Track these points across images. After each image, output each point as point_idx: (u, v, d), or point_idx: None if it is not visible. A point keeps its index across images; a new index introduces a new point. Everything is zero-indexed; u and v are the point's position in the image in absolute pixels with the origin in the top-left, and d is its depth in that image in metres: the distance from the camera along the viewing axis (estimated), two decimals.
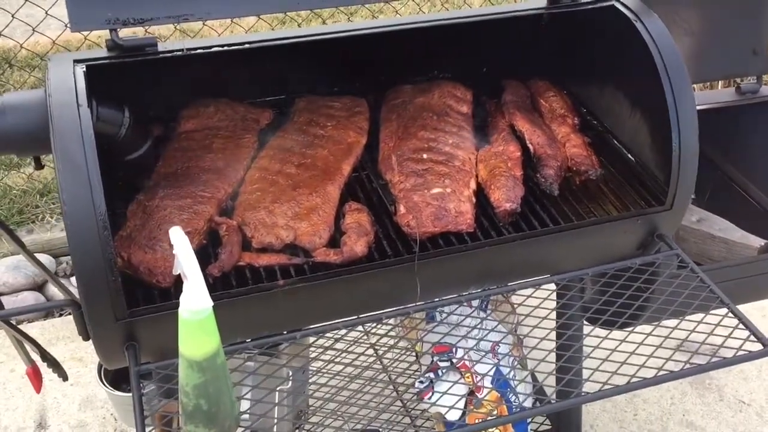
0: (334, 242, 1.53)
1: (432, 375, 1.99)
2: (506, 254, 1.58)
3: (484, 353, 2.04)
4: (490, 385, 2.02)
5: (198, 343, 1.08)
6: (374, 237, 1.54)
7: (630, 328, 1.57)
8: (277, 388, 1.85)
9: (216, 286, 1.42)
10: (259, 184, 1.62)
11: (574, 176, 1.74)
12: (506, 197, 1.59)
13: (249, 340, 1.42)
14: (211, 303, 1.04)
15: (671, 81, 1.60)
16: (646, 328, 1.47)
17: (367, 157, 1.78)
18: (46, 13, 2.97)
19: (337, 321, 1.47)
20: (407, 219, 1.55)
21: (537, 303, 1.51)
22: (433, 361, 2.00)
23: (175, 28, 3.58)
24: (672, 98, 1.60)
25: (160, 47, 1.48)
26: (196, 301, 1.05)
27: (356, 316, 1.48)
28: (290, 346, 1.51)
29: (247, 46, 1.57)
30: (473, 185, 1.66)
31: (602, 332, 1.48)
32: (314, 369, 1.50)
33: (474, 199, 1.63)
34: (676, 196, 1.65)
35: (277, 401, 1.88)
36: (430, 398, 1.98)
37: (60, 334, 2.83)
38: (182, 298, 1.05)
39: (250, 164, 1.70)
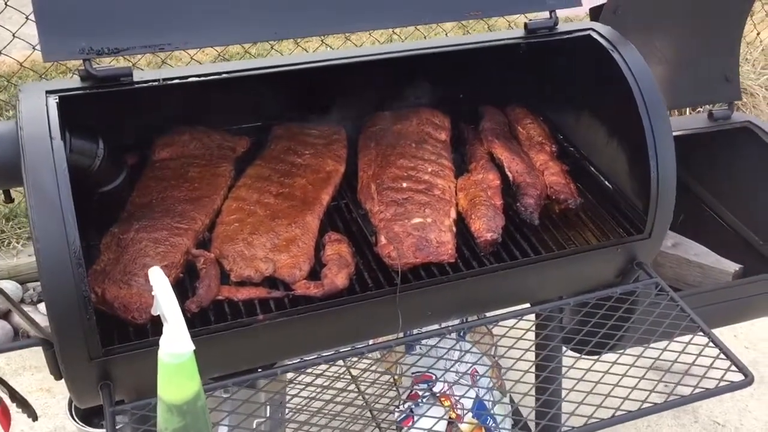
0: (314, 274, 1.51)
1: (411, 404, 1.97)
2: (487, 284, 1.57)
3: (461, 374, 2.01)
4: (470, 412, 2.00)
5: (178, 387, 1.04)
6: (355, 268, 1.52)
7: (610, 353, 1.57)
8: (254, 423, 1.81)
9: (194, 321, 1.39)
10: (236, 215, 1.59)
11: (553, 204, 1.74)
12: (487, 227, 1.58)
13: (228, 377, 1.39)
14: (192, 347, 1.01)
15: (648, 110, 1.61)
16: (628, 358, 1.47)
17: (346, 185, 1.77)
18: (13, 35, 2.91)
19: (316, 356, 1.44)
20: (388, 250, 1.53)
21: (518, 333, 1.50)
22: (413, 389, 1.97)
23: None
24: (650, 128, 1.61)
25: (136, 77, 1.45)
26: (176, 343, 1.01)
27: (337, 350, 1.45)
28: (270, 382, 1.47)
29: (224, 75, 1.55)
30: (453, 214, 1.65)
31: (583, 360, 1.48)
32: (292, 406, 1.46)
33: (454, 229, 1.62)
34: (654, 225, 1.65)
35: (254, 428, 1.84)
36: (409, 428, 1.96)
37: (27, 364, 2.75)
38: (162, 341, 1.02)
39: (227, 193, 1.67)
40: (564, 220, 1.76)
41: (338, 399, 1.47)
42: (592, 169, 1.88)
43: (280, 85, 1.83)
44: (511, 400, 2.17)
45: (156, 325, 1.37)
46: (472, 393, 2.02)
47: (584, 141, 1.93)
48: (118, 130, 1.62)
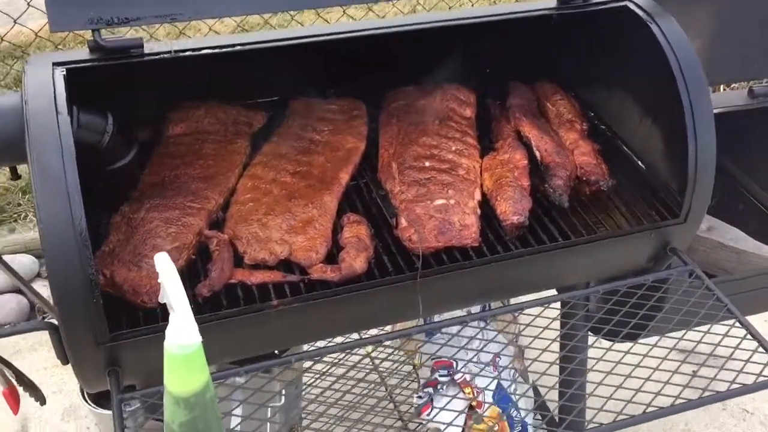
0: (331, 257, 1.44)
1: (431, 390, 1.91)
2: (513, 270, 1.49)
3: (483, 365, 1.95)
4: (491, 400, 1.94)
5: (185, 379, 0.99)
6: (374, 251, 1.45)
7: (640, 343, 1.50)
8: (269, 404, 1.77)
9: (205, 306, 1.33)
10: (251, 194, 1.52)
11: (582, 186, 1.65)
12: (513, 210, 1.50)
13: (240, 364, 1.33)
14: (199, 338, 0.95)
15: (688, 87, 1.52)
16: (660, 350, 1.39)
17: (366, 164, 1.69)
18: (28, 4, 2.85)
19: (333, 344, 1.38)
20: (409, 233, 1.46)
21: (544, 321, 1.43)
22: (432, 376, 1.91)
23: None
24: (689, 106, 1.52)
25: (146, 48, 1.38)
26: (183, 334, 0.95)
27: (354, 338, 1.39)
28: (283, 370, 1.42)
29: (238, 48, 1.47)
30: (478, 195, 1.57)
31: (612, 352, 1.41)
32: (309, 396, 1.41)
33: (479, 211, 1.54)
34: (691, 209, 1.57)
35: (268, 417, 1.80)
36: (428, 414, 1.90)
37: (42, 339, 2.72)
38: (168, 331, 0.96)
39: (242, 171, 1.60)
40: (594, 202, 1.67)
41: (356, 389, 1.42)
42: (625, 148, 1.78)
43: (299, 58, 1.75)
44: (536, 392, 2.10)
45: (167, 309, 1.32)
46: (494, 382, 1.95)
47: (616, 119, 1.84)
48: (129, 105, 1.55)
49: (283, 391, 1.79)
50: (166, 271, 0.98)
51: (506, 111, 1.81)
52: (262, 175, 1.57)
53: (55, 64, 1.31)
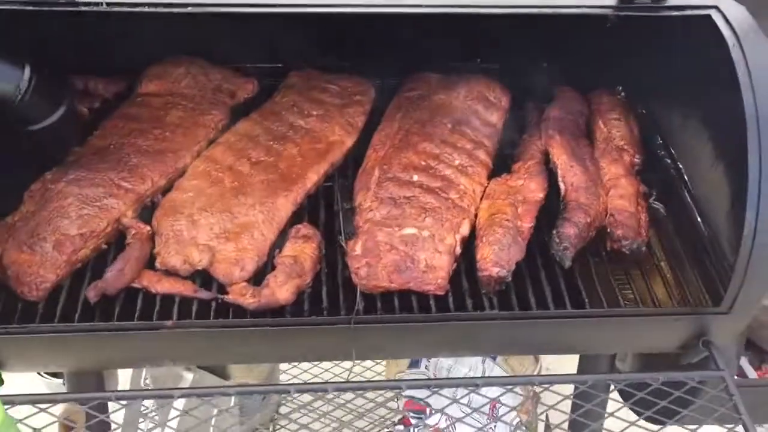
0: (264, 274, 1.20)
1: (402, 428, 1.66)
2: (479, 331, 1.20)
3: (472, 410, 1.67)
4: None
5: None
6: (312, 278, 1.20)
7: None
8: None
9: (94, 309, 1.14)
10: (198, 180, 1.30)
11: (606, 236, 1.30)
12: (495, 258, 1.19)
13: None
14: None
15: (761, 140, 1.13)
16: None
17: (355, 163, 1.41)
18: None
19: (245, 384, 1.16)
20: (359, 264, 1.19)
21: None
22: (405, 414, 1.66)
23: None
24: (757, 164, 1.13)
25: None
26: None
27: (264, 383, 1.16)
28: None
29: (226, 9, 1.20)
30: (465, 229, 1.26)
31: None
32: None
33: (459, 250, 1.24)
34: (737, 300, 1.19)
35: None
36: None
37: None
38: None
39: (203, 149, 1.38)
40: (622, 255, 1.32)
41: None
42: (687, 195, 1.40)
43: (313, 26, 1.48)
44: None
45: (51, 305, 1.15)
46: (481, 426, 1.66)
47: (688, 154, 1.45)
48: (59, 57, 1.35)
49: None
50: None
51: (541, 124, 1.46)
52: (220, 158, 1.34)
53: None
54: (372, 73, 1.58)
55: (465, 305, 1.19)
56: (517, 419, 1.79)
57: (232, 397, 1.59)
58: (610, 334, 1.25)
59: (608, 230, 1.29)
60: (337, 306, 1.17)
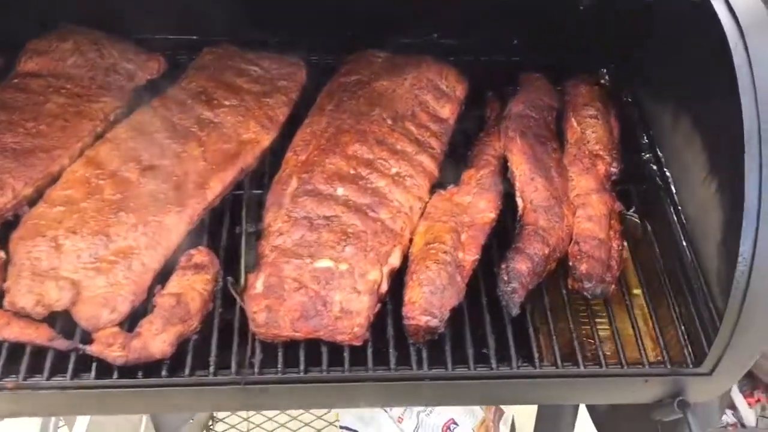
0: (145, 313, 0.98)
1: None
2: (406, 391, 0.98)
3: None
4: None
5: None
6: (201, 320, 0.97)
7: None
8: None
9: None
10: (73, 190, 1.06)
11: (568, 272, 1.07)
12: (425, 304, 0.96)
13: None
14: None
15: (762, 157, 0.89)
16: None
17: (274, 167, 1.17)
18: None
19: None
20: (257, 307, 0.97)
21: None
22: None
23: None
24: (757, 188, 0.89)
25: None
26: None
27: None
28: None
29: None
30: (395, 259, 1.03)
31: None
32: None
33: (385, 286, 1.01)
34: (723, 359, 0.97)
35: None
36: None
37: None
38: None
39: (87, 147, 1.14)
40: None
41: None
42: (673, 213, 1.16)
43: None
44: None
45: None
46: None
47: (678, 161, 1.20)
48: None
49: None
50: None
51: (499, 123, 1.21)
52: (104, 160, 1.10)
53: None
54: (307, 48, 1.32)
55: (387, 358, 0.97)
56: None
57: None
58: (566, 392, 1.04)
59: (570, 263, 1.05)
60: (228, 357, 0.95)
